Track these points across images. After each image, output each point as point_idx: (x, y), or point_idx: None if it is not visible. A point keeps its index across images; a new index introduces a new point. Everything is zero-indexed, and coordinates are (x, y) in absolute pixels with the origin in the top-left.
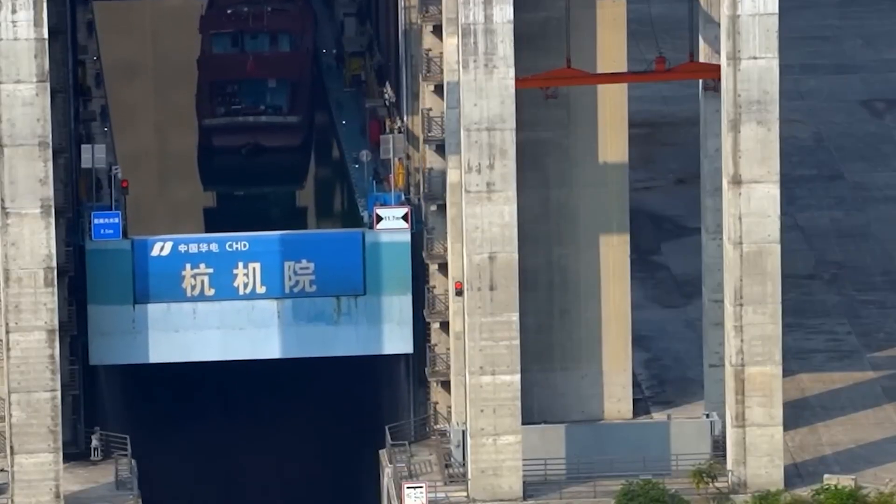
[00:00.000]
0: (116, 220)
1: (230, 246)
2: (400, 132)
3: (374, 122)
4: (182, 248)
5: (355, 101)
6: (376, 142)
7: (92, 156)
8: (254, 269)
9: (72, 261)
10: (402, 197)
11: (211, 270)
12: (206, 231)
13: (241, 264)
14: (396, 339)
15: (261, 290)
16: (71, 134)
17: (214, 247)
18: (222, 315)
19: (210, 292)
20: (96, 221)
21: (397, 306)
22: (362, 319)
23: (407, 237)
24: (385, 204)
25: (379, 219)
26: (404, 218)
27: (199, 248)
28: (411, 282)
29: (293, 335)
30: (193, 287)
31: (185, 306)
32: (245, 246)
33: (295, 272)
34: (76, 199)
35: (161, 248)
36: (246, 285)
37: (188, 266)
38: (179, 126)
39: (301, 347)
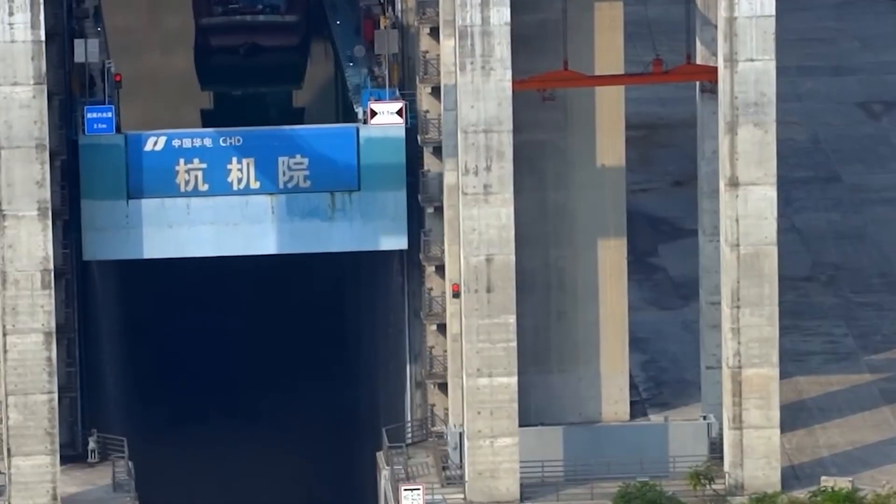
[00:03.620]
0: (110, 115)
1: (224, 141)
2: (394, 28)
3: (368, 21)
4: (176, 142)
5: (349, 2)
6: (371, 41)
7: (85, 50)
8: (247, 164)
9: (65, 151)
10: (397, 92)
11: (204, 165)
12: None
13: (234, 159)
14: (391, 235)
15: (255, 185)
16: (64, 28)
17: (208, 142)
18: (216, 210)
19: (204, 187)
20: (89, 116)
21: (392, 202)
22: (357, 215)
23: (401, 132)
24: (380, 99)
25: (373, 114)
26: (399, 113)
27: (192, 143)
28: (405, 177)
29: (287, 231)
30: (187, 182)
31: (179, 201)
32: (239, 141)
33: (289, 167)
34: (69, 94)
35: (154, 142)
36: (240, 180)
37: (182, 161)
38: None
39: (295, 243)
